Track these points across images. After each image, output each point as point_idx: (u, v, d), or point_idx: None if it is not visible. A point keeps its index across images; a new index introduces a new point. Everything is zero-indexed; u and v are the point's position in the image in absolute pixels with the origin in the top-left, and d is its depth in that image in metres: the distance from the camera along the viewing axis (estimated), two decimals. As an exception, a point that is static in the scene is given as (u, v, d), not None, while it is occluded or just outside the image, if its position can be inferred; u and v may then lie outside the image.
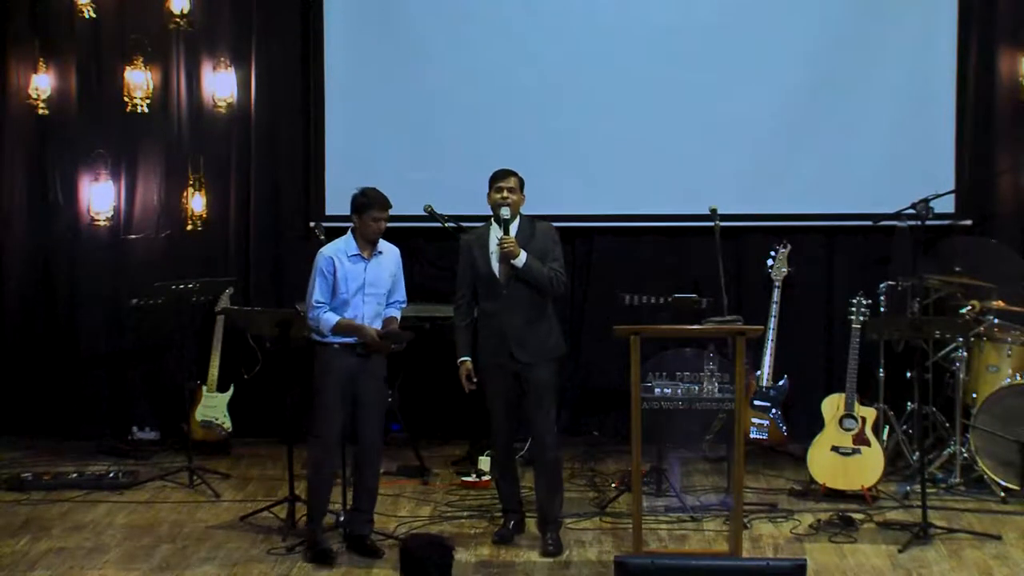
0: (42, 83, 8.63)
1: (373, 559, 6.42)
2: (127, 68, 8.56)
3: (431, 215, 7.93)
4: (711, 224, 7.91)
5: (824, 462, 7.38)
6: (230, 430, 8.46)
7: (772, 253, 8.11)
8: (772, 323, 8.02)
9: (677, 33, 8.56)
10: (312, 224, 8.22)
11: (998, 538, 6.68)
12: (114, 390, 8.96)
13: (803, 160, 8.55)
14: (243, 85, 8.76)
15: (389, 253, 6.55)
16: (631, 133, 8.54)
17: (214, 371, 8.48)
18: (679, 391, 7.09)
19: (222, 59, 8.70)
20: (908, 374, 7.81)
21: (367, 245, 6.43)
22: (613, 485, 7.59)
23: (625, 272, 8.59)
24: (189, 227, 8.74)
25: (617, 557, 4.22)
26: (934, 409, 7.88)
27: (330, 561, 6.35)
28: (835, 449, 7.38)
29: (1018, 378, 7.54)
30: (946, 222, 8.35)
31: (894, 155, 8.49)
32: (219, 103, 8.71)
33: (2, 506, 7.33)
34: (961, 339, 7.62)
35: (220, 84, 8.71)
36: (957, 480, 7.51)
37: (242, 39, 8.79)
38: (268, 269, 8.89)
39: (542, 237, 6.61)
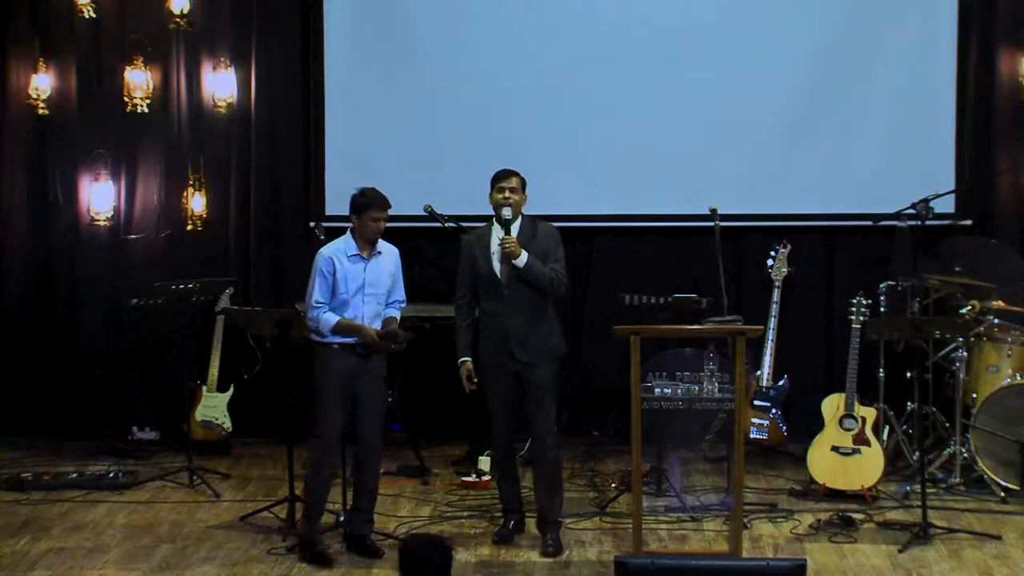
0: (42, 83, 8.63)
1: (373, 559, 6.42)
2: (127, 68, 8.56)
3: (431, 215, 7.93)
4: (711, 224, 7.91)
5: (824, 462, 7.38)
6: (230, 430, 8.46)
7: (772, 253, 8.11)
8: (772, 323, 8.02)
9: (677, 33, 8.56)
10: (312, 224, 8.23)
11: (998, 538, 6.68)
12: (114, 390, 8.96)
13: (803, 160, 8.55)
14: (243, 85, 8.76)
15: (388, 253, 6.54)
16: (631, 133, 8.54)
17: (214, 371, 8.48)
18: (679, 391, 7.09)
19: (222, 59, 8.70)
20: (908, 374, 7.81)
21: (366, 245, 6.43)
22: (613, 485, 7.59)
23: (625, 272, 8.59)
24: (189, 227, 8.74)
25: (617, 557, 4.22)
26: (934, 409, 7.88)
27: (327, 563, 6.35)
28: (835, 449, 7.38)
29: (1018, 378, 7.54)
30: (946, 222, 8.35)
31: (894, 155, 8.49)
32: (219, 103, 8.71)
33: (2, 506, 7.33)
34: (961, 339, 7.62)
35: (220, 84, 8.71)
36: (957, 480, 7.51)
37: (242, 39, 8.79)
38: (268, 269, 8.89)
39: (543, 237, 6.61)
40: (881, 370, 7.87)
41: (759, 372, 8.00)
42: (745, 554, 6.29)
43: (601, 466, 8.15)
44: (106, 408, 8.94)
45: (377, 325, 6.48)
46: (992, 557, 6.44)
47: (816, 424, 7.54)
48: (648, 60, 8.56)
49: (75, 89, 8.81)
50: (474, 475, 7.70)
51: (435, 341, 7.83)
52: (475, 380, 6.62)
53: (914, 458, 7.66)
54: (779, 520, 7.02)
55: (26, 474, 7.80)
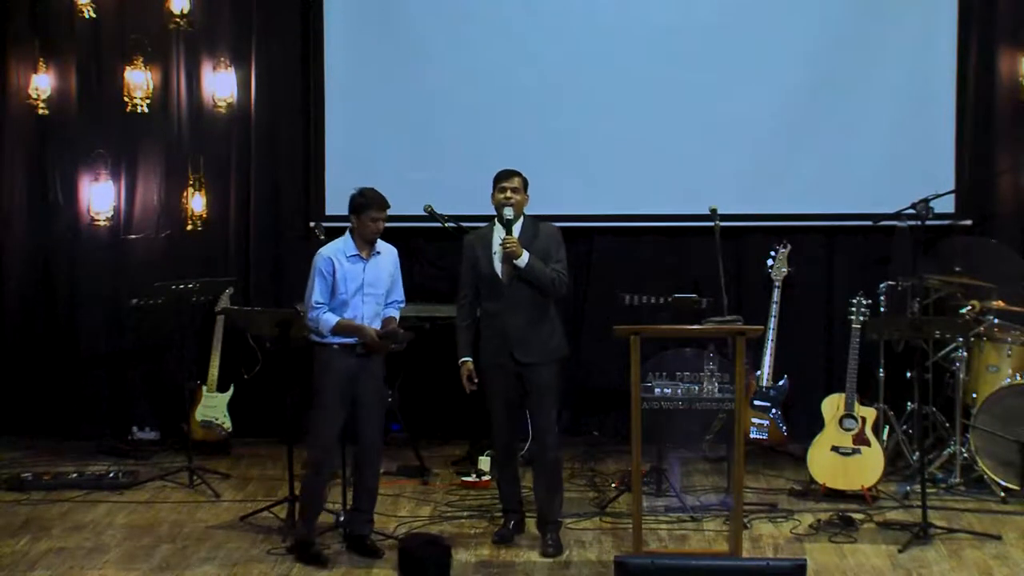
0: (42, 83, 8.63)
1: (373, 559, 6.42)
2: (127, 68, 8.56)
3: (431, 215, 7.94)
4: (711, 224, 7.91)
5: (824, 462, 7.38)
6: (230, 430, 8.46)
7: (772, 253, 8.11)
8: (772, 323, 8.02)
9: (677, 33, 8.56)
10: (312, 224, 8.22)
11: (998, 538, 6.68)
12: (114, 390, 8.96)
13: (803, 160, 8.55)
14: (243, 85, 8.76)
15: (387, 253, 6.54)
16: (631, 133, 8.54)
17: (214, 371, 8.48)
18: (679, 391, 7.09)
19: (222, 59, 8.70)
20: (908, 374, 7.81)
21: (365, 245, 6.43)
22: (613, 485, 7.59)
23: (625, 272, 8.59)
24: (189, 227, 8.75)
25: (617, 557, 4.22)
26: (934, 409, 7.88)
27: (323, 563, 6.34)
28: (835, 449, 7.38)
29: (1018, 378, 7.54)
30: (946, 222, 8.36)
31: (894, 155, 8.49)
32: (219, 103, 8.71)
33: (2, 506, 7.33)
34: (961, 339, 7.62)
35: (220, 84, 8.71)
36: (957, 480, 7.51)
37: (242, 39, 8.79)
38: (268, 269, 8.89)
39: (545, 238, 6.61)
40: (881, 370, 7.87)
41: (759, 372, 8.00)
42: (745, 554, 6.29)
43: (601, 466, 8.15)
44: (106, 408, 8.95)
45: (376, 325, 6.47)
46: (992, 557, 6.44)
47: (816, 424, 7.54)
48: (648, 60, 8.57)
49: (75, 89, 8.81)
50: (474, 475, 7.70)
51: (435, 341, 7.82)
52: (475, 380, 6.62)
53: (914, 458, 7.66)
54: (779, 520, 7.02)
55: (26, 474, 7.80)
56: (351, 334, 6.38)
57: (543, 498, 6.65)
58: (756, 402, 7.97)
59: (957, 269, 7.84)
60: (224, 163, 8.86)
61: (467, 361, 6.63)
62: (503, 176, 6.58)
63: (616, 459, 8.22)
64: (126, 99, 8.53)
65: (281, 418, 7.32)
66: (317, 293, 6.38)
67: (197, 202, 8.73)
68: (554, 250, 6.59)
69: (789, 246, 8.14)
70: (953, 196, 8.34)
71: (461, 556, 6.41)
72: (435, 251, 8.71)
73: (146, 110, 8.57)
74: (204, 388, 8.46)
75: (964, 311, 7.63)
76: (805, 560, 4.14)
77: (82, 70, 8.80)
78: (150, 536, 6.82)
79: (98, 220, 8.73)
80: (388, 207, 6.40)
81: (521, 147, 8.11)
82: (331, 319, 6.36)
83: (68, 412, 8.89)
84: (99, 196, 8.72)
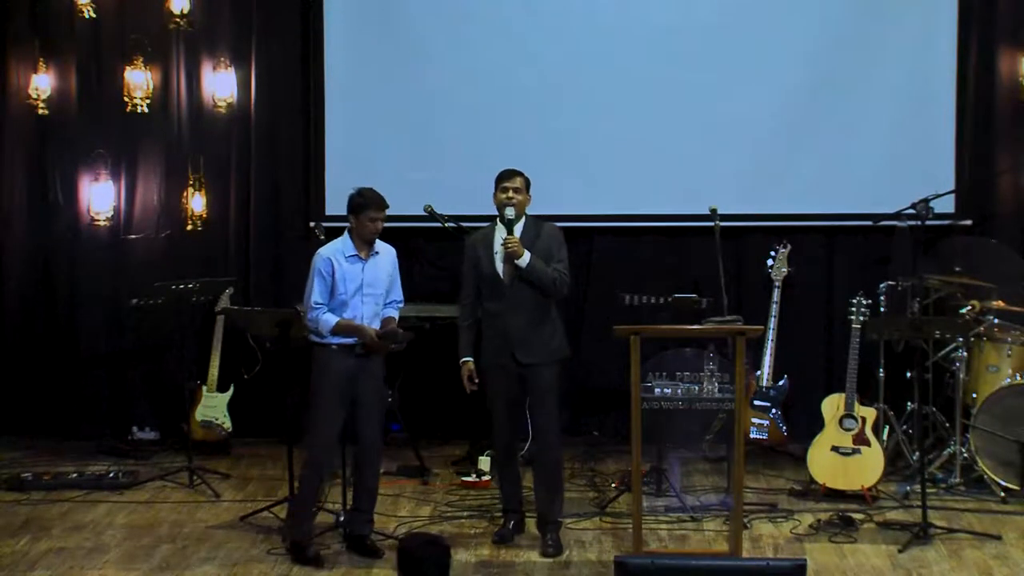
0: (42, 83, 8.63)
1: (373, 559, 6.42)
2: (127, 68, 8.55)
3: (431, 215, 7.94)
4: (711, 224, 7.91)
5: (824, 462, 7.38)
6: (230, 430, 8.46)
7: (772, 253, 8.11)
8: (772, 323, 8.02)
9: (677, 33, 8.56)
10: (312, 224, 8.23)
11: (998, 538, 6.68)
12: (114, 390, 8.96)
13: (803, 160, 8.55)
14: (243, 85, 8.76)
15: (386, 253, 6.54)
16: (631, 133, 8.54)
17: (214, 371, 8.48)
18: (679, 391, 7.09)
19: (222, 59, 8.70)
20: (908, 374, 7.81)
21: (364, 245, 6.43)
22: (613, 485, 7.59)
23: (625, 272, 8.59)
24: (189, 227, 8.74)
25: (617, 557, 4.21)
26: (934, 409, 7.88)
27: (320, 563, 6.34)
28: (835, 449, 7.38)
29: (1018, 378, 7.54)
30: (946, 222, 8.35)
31: (894, 155, 8.49)
32: (219, 103, 8.71)
33: (2, 506, 7.33)
34: (961, 339, 7.62)
35: (220, 84, 8.71)
36: (957, 480, 7.51)
37: (242, 39, 8.79)
38: (268, 269, 8.89)
39: (547, 238, 6.60)
40: (881, 370, 7.87)
41: (759, 372, 8.00)
42: (745, 554, 6.29)
43: (601, 466, 8.15)
44: (106, 408, 8.94)
45: (376, 325, 6.47)
46: (992, 557, 6.44)
47: (816, 424, 7.53)
48: (648, 60, 8.56)
49: (75, 89, 8.81)
50: (474, 475, 7.70)
51: (435, 341, 7.83)
52: (476, 380, 6.62)
53: (914, 458, 7.66)
54: (779, 520, 7.02)
55: (26, 474, 7.80)
56: (351, 334, 6.38)
57: (543, 498, 6.64)
58: (756, 402, 7.97)
59: (957, 269, 7.84)
60: (224, 163, 8.86)
61: (468, 361, 6.62)
62: (505, 176, 6.58)
63: (616, 459, 8.22)
64: (126, 99, 8.53)
65: (281, 418, 7.31)
66: (316, 293, 6.38)
67: (197, 202, 8.73)
68: (556, 250, 6.59)
69: (789, 246, 8.14)
70: (953, 196, 8.34)
71: (461, 556, 6.41)
72: (435, 251, 8.71)
73: (146, 110, 8.57)
74: (204, 388, 8.46)
75: (964, 311, 7.63)
76: (805, 560, 4.14)
77: (82, 70, 8.80)
78: (150, 536, 6.82)
79: (98, 220, 8.73)
80: (387, 207, 6.40)
81: (521, 147, 8.11)
82: (331, 319, 6.36)
83: (68, 412, 8.89)
84: (99, 196, 8.72)
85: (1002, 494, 7.32)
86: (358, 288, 6.41)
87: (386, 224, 6.45)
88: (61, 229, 8.88)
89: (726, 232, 8.07)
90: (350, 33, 8.71)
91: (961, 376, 7.64)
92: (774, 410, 7.99)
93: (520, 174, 6.59)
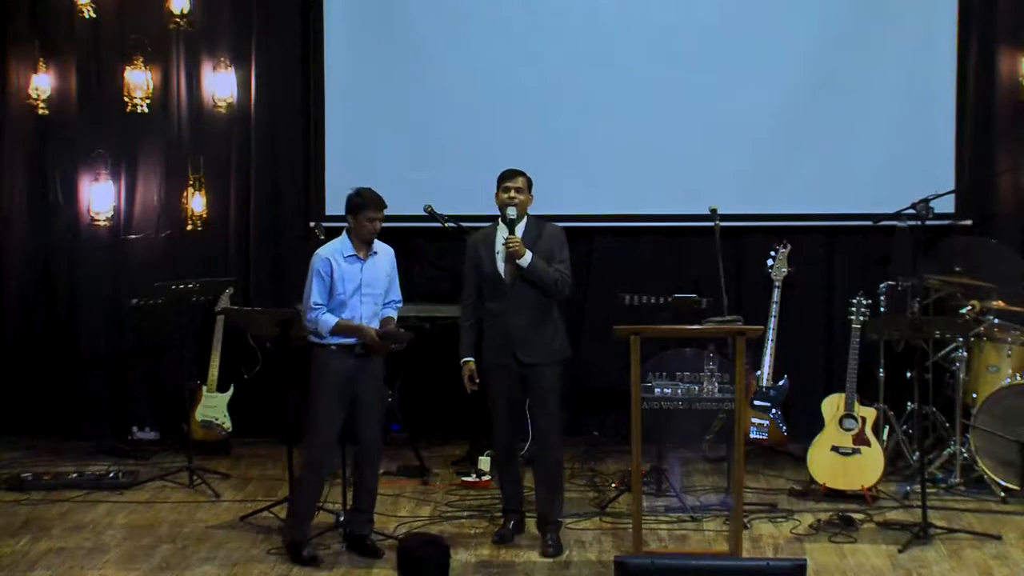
0: (42, 83, 8.63)
1: (373, 559, 6.42)
2: (127, 68, 8.55)
3: (431, 215, 7.94)
4: (711, 224, 7.91)
5: (824, 462, 7.38)
6: (230, 430, 8.46)
7: (772, 253, 8.11)
8: (772, 323, 8.02)
9: (677, 33, 8.56)
10: (312, 224, 8.23)
11: (998, 538, 6.68)
12: (114, 390, 8.96)
13: (803, 160, 8.55)
14: (243, 85, 8.76)
15: (384, 253, 6.54)
16: (631, 133, 8.54)
17: (214, 371, 8.48)
18: (679, 391, 7.09)
19: (222, 59, 8.70)
20: (908, 374, 7.81)
21: (363, 245, 6.43)
22: (613, 485, 7.59)
23: (625, 272, 8.59)
24: (189, 227, 8.74)
25: (617, 557, 4.21)
26: (934, 409, 7.88)
27: (317, 563, 6.33)
28: (835, 449, 7.38)
29: (1018, 378, 7.54)
30: (946, 222, 8.35)
31: (894, 155, 8.49)
32: (219, 103, 8.71)
33: (2, 506, 7.33)
34: (961, 339, 7.62)
35: (220, 84, 8.71)
36: (957, 480, 7.51)
37: (242, 39, 8.79)
38: (268, 269, 8.89)
39: (549, 238, 6.60)
40: (881, 370, 7.87)
41: (759, 372, 8.00)
42: (745, 554, 6.29)
43: (601, 466, 8.15)
44: (106, 408, 8.94)
45: (375, 325, 6.47)
46: (992, 557, 6.44)
47: (816, 424, 7.53)
48: (648, 60, 8.56)
49: (75, 89, 8.81)
50: (474, 475, 7.70)
51: (435, 341, 7.83)
52: (477, 380, 6.62)
53: (914, 458, 7.66)
54: (779, 520, 7.02)
55: (26, 474, 7.80)
56: (351, 334, 6.38)
57: (543, 498, 6.64)
58: (756, 402, 7.97)
59: (957, 269, 7.84)
60: (224, 163, 8.86)
61: (469, 361, 6.62)
62: (507, 176, 6.58)
63: (616, 459, 8.22)
64: (126, 99, 8.53)
65: (281, 418, 7.31)
66: (315, 294, 6.38)
67: (197, 202, 8.73)
68: (557, 250, 6.58)
69: (789, 246, 8.14)
70: (953, 196, 8.34)
71: (461, 556, 6.41)
72: (435, 251, 8.71)
73: (146, 110, 8.57)
74: (204, 388, 8.46)
75: (964, 311, 7.63)
76: (805, 560, 4.14)
77: (82, 70, 8.80)
78: (150, 536, 6.82)
79: (98, 220, 8.73)
80: (385, 207, 6.40)
81: (521, 147, 8.10)
82: (330, 320, 6.36)
83: (68, 412, 8.89)
84: (99, 196, 8.72)
85: (1002, 494, 7.32)
86: (357, 288, 6.40)
87: (386, 224, 6.45)
88: (61, 229, 8.88)
89: (726, 232, 8.07)
90: (350, 33, 8.71)
91: (961, 376, 7.64)
92: (774, 410, 7.99)
93: (522, 174, 6.59)
